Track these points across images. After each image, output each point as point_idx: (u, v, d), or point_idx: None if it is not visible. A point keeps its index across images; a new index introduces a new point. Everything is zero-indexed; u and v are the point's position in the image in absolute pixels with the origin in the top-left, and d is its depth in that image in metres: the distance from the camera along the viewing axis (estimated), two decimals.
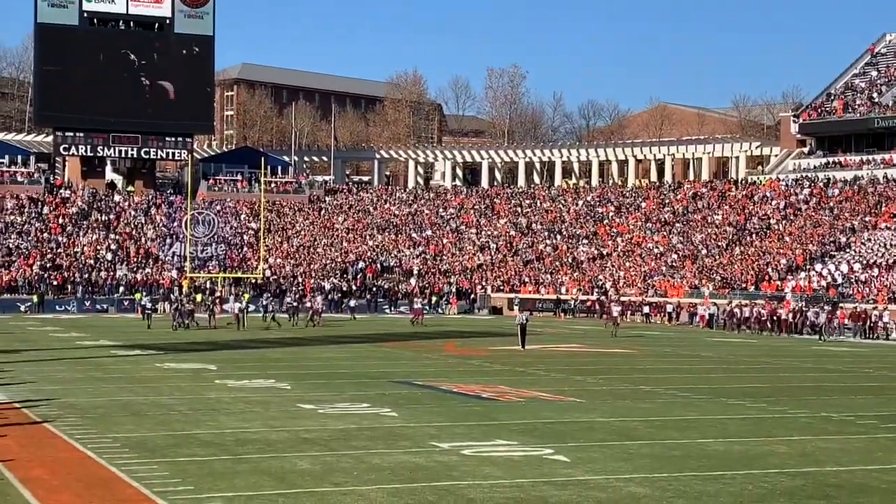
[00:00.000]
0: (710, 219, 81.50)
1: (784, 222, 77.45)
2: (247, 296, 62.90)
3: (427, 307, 67.32)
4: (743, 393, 26.34)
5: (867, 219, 73.56)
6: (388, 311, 73.52)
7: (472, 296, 77.09)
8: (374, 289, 75.84)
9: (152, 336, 45.59)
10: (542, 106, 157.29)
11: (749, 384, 29.04)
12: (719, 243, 76.62)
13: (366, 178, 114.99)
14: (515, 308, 64.89)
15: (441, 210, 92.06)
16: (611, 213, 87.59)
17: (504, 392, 25.67)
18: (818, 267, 67.39)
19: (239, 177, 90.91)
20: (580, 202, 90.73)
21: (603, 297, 70.52)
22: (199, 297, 62.59)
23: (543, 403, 23.67)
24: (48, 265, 72.33)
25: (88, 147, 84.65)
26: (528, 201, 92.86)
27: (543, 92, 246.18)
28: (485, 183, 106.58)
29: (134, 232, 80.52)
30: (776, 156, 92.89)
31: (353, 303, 66.28)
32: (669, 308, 66.88)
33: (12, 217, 79.41)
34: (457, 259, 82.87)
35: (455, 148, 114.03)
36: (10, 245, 74.88)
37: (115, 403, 22.62)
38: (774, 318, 58.16)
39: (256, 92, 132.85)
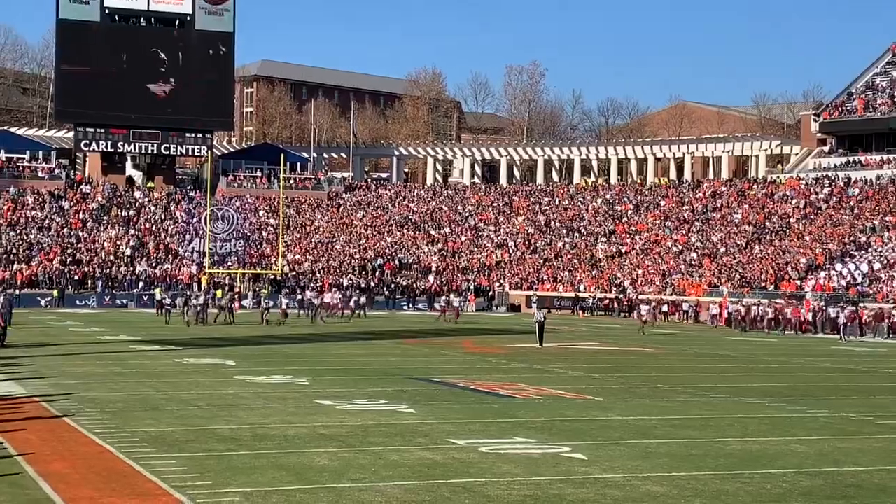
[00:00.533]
0: (730, 217, 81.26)
1: (804, 221, 77.15)
2: (265, 291, 63.05)
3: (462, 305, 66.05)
4: (762, 392, 26.25)
5: (887, 218, 73.20)
6: (406, 307, 73.59)
7: (490, 293, 77.10)
8: (393, 286, 75.94)
9: (171, 331, 45.74)
10: (562, 103, 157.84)
11: (768, 383, 28.94)
12: (738, 242, 76.38)
13: (384, 175, 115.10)
14: (533, 306, 64.82)
15: (459, 207, 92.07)
16: (629, 212, 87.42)
17: (522, 389, 25.66)
18: (838, 266, 67.13)
19: (258, 173, 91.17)
20: (599, 200, 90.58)
21: (634, 296, 70.54)
22: (219, 293, 62.80)
23: (561, 401, 23.65)
24: (68, 260, 72.65)
25: (109, 143, 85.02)
26: (546, 199, 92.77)
27: (563, 89, 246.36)
28: (503, 180, 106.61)
29: (153, 228, 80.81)
30: (796, 154, 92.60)
31: (362, 299, 64.25)
32: (685, 307, 66.73)
33: (33, 212, 79.79)
34: (475, 256, 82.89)
35: (474, 145, 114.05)
36: (31, 240, 75.24)
37: (134, 398, 22.71)
38: (780, 317, 58.10)
39: (276, 88, 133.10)
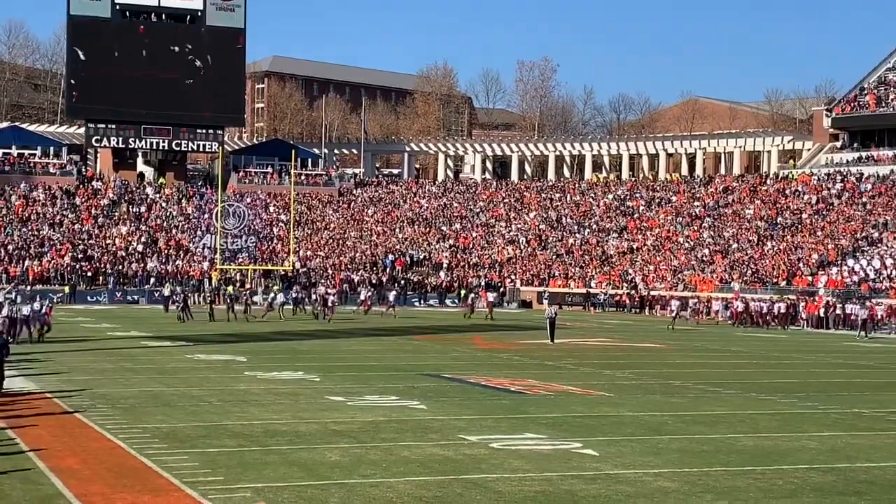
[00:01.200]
0: (742, 213, 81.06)
1: (816, 217, 76.93)
2: (276, 287, 63.02)
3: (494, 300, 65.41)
4: (773, 388, 26.20)
5: None
6: (417, 303, 73.60)
7: (502, 289, 77.03)
8: (404, 282, 75.94)
9: (182, 328, 45.82)
10: (573, 99, 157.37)
11: (779, 379, 28.88)
12: (750, 238, 76.19)
13: (396, 171, 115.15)
14: (545, 302, 64.75)
15: (471, 203, 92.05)
16: (641, 207, 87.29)
17: (533, 386, 25.64)
18: (850, 262, 66.92)
19: (269, 169, 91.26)
20: (610, 196, 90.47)
21: (646, 292, 70.49)
22: (230, 289, 62.82)
23: (572, 397, 23.62)
24: (80, 256, 72.79)
25: (120, 139, 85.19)
26: (557, 195, 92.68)
27: (574, 85, 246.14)
28: (514, 176, 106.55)
29: (164, 224, 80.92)
30: (808, 150, 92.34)
31: (363, 295, 63.47)
32: (692, 303, 66.49)
33: (44, 208, 79.97)
34: (486, 252, 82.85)
35: (485, 141, 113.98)
36: (43, 236, 75.40)
37: (145, 394, 22.75)
38: (774, 313, 57.98)
39: (287, 84, 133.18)
